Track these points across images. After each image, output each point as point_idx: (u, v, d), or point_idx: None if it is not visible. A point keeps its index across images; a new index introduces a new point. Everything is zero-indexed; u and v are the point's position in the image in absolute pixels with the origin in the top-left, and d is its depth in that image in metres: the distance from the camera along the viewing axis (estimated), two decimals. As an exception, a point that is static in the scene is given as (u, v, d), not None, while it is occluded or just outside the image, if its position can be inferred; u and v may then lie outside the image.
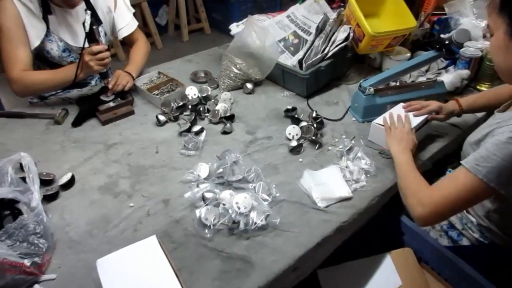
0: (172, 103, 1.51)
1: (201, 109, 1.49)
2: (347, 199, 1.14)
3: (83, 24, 1.33)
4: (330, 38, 1.60)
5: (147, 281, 0.84)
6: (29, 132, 1.41)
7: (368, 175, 1.22)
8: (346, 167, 1.24)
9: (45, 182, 1.18)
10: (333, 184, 1.17)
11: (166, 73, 1.69)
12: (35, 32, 1.45)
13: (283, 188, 1.18)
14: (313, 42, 1.57)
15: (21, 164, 1.13)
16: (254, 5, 4.26)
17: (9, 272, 0.88)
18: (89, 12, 1.29)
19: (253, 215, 1.04)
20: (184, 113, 1.51)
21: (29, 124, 1.45)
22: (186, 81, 1.68)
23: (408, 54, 1.72)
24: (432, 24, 1.86)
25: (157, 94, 1.59)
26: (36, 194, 1.03)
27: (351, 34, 1.57)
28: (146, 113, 1.52)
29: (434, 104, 1.32)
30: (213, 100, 1.55)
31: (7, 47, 1.42)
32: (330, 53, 1.57)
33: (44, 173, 1.20)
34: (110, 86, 1.50)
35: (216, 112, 1.46)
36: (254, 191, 1.14)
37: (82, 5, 1.54)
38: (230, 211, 1.05)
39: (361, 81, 1.47)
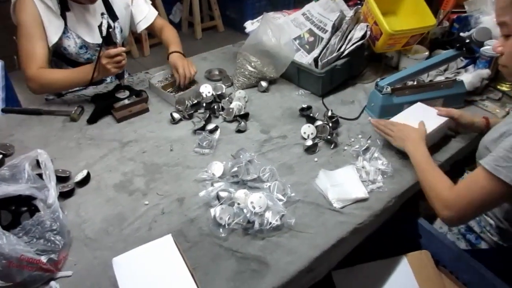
0: (186, 101, 1.50)
1: (215, 107, 1.48)
2: (363, 200, 1.13)
3: (99, 27, 1.33)
4: (347, 36, 1.57)
5: (163, 280, 0.84)
6: (46, 129, 1.42)
7: (385, 176, 1.20)
8: (363, 167, 1.22)
9: (61, 179, 1.19)
10: (349, 185, 1.15)
11: (181, 71, 1.69)
12: (53, 29, 1.46)
13: (298, 188, 1.16)
14: (329, 40, 1.55)
15: (37, 161, 1.13)
16: (268, 2, 4.23)
17: (26, 268, 0.89)
18: (105, 15, 1.29)
19: (268, 215, 1.03)
20: (199, 111, 1.50)
21: (46, 121, 1.46)
22: (200, 79, 1.67)
23: (427, 53, 1.68)
24: (451, 22, 1.81)
25: (171, 92, 1.59)
26: (52, 191, 1.04)
27: (368, 32, 1.55)
28: (161, 111, 1.52)
29: (454, 110, 1.31)
30: (227, 98, 1.54)
31: (25, 44, 1.42)
32: (346, 52, 1.55)
33: (60, 170, 1.21)
34: (181, 82, 1.54)
35: (231, 110, 1.46)
36: (269, 190, 1.12)
37: (100, 2, 1.55)
38: (245, 210, 1.04)
39: (378, 80, 1.44)
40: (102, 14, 1.36)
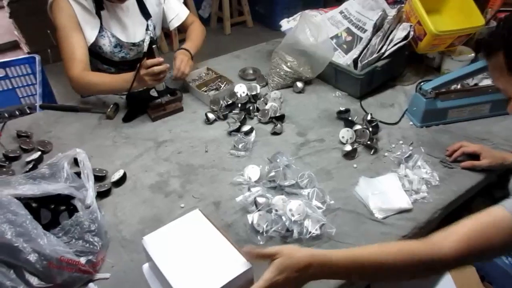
0: (221, 101, 1.48)
1: (250, 108, 1.45)
2: (407, 211, 1.07)
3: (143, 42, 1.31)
4: (388, 36, 1.51)
5: (203, 252, 0.79)
6: (82, 126, 1.43)
7: (429, 186, 1.15)
8: (405, 175, 1.17)
9: (98, 178, 1.20)
10: (391, 194, 1.10)
11: (215, 69, 1.67)
12: (90, 28, 1.47)
13: (337, 195, 1.12)
14: (369, 40, 1.49)
15: (75, 158, 1.14)
16: (298, -2, 4.16)
17: (66, 269, 0.89)
18: (149, 31, 1.28)
19: (307, 223, 1.00)
20: (233, 111, 1.48)
21: (83, 118, 1.47)
22: (234, 78, 1.65)
23: (472, 55, 1.60)
24: (499, 21, 1.71)
25: (205, 91, 1.57)
26: (90, 191, 1.04)
27: (412, 33, 1.48)
28: (195, 110, 1.50)
29: (474, 147, 1.20)
30: (262, 99, 1.51)
31: (65, 47, 1.43)
32: (387, 53, 1.49)
33: (97, 169, 1.21)
34: (174, 73, 1.51)
35: (266, 111, 1.43)
36: (308, 198, 1.09)
37: (133, 0, 1.55)
38: (283, 218, 1.01)
39: (419, 82, 1.38)
40: (146, 30, 1.34)
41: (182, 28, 1.75)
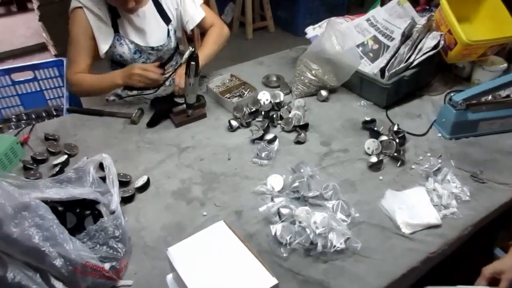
0: (244, 108, 1.48)
1: (274, 116, 1.44)
2: (435, 226, 1.04)
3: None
4: (417, 45, 1.47)
5: (227, 265, 0.79)
6: (108, 130, 1.45)
7: (459, 201, 1.11)
8: (434, 190, 1.13)
9: (122, 183, 1.20)
10: (419, 208, 1.07)
11: (238, 75, 1.67)
12: (104, 37, 1.51)
13: (362, 208, 1.10)
14: (398, 49, 1.46)
15: (101, 162, 1.15)
16: (321, 3, 4.14)
17: (90, 275, 0.90)
18: (191, 48, 1.29)
19: (332, 236, 0.98)
20: (257, 119, 1.47)
21: (108, 122, 1.49)
22: (257, 85, 1.64)
23: (505, 65, 1.54)
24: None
25: (229, 98, 1.57)
26: (115, 197, 1.05)
27: (442, 42, 1.44)
28: (218, 117, 1.50)
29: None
30: (286, 107, 1.49)
31: (71, 53, 1.52)
32: (415, 62, 1.45)
33: (121, 174, 1.22)
34: (173, 90, 1.49)
35: (290, 120, 1.41)
36: (332, 210, 1.07)
37: (150, 5, 1.56)
38: (307, 230, 0.99)
39: (448, 92, 1.35)
40: (168, 35, 1.45)
41: (201, 30, 1.74)
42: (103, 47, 1.51)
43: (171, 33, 1.62)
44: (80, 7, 1.45)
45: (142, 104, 1.58)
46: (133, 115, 1.47)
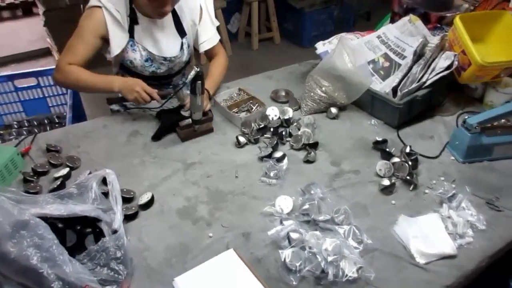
0: (252, 124, 1.44)
1: (283, 133, 1.41)
2: (451, 256, 1.00)
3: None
4: (430, 65, 1.45)
5: None
6: (112, 142, 1.41)
7: (475, 230, 1.07)
8: (448, 217, 1.09)
9: (125, 199, 1.16)
10: (434, 237, 1.03)
11: (246, 89, 1.64)
12: (118, 41, 1.48)
13: (375, 234, 1.06)
14: (410, 68, 1.43)
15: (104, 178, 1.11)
16: (327, 16, 4.14)
17: (89, 299, 0.85)
18: (196, 68, 1.27)
19: (343, 265, 0.94)
20: (265, 135, 1.43)
21: (112, 134, 1.45)
22: (266, 100, 1.61)
23: (520, 87, 1.51)
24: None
25: (236, 112, 1.53)
26: (118, 215, 1.01)
27: (456, 63, 1.41)
28: (225, 132, 1.47)
29: None
30: (295, 124, 1.46)
31: (73, 42, 1.46)
32: (428, 82, 1.42)
33: (125, 190, 1.18)
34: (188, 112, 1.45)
35: (299, 137, 1.38)
36: (343, 236, 1.03)
37: (169, 17, 1.54)
38: (318, 257, 0.95)
39: (460, 113, 1.31)
40: (181, 48, 1.46)
41: (208, 54, 1.71)
42: (115, 50, 1.47)
43: (185, 46, 1.60)
44: (100, 7, 1.43)
45: (147, 116, 1.54)
46: None
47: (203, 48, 1.66)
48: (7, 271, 0.85)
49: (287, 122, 1.47)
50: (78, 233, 1.02)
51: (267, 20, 4.31)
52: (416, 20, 1.65)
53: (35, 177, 1.24)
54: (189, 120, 1.43)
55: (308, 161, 1.32)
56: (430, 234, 1.03)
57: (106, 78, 1.47)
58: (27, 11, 4.75)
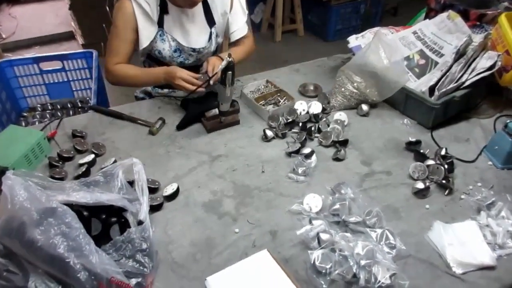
0: (280, 118, 1.40)
1: (312, 128, 1.36)
2: (490, 267, 0.95)
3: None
4: (470, 64, 1.38)
5: None
6: (137, 130, 1.39)
7: (515, 241, 1.01)
8: (487, 225, 1.04)
9: (150, 190, 1.14)
10: (472, 246, 0.98)
11: (274, 82, 1.59)
12: (146, 33, 1.46)
13: (407, 239, 1.01)
14: (450, 67, 1.36)
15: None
16: (353, 10, 4.03)
17: (114, 291, 0.84)
18: (228, 58, 1.23)
19: (376, 270, 0.90)
20: (293, 130, 1.39)
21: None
22: (294, 93, 1.56)
23: None
24: None
25: (263, 105, 1.50)
26: (144, 206, 0.99)
27: (499, 63, 1.34)
28: (252, 125, 1.43)
29: None
30: (324, 119, 1.41)
31: (113, 43, 1.48)
32: (468, 82, 1.36)
33: (150, 180, 1.16)
34: (209, 69, 1.43)
35: (328, 134, 1.33)
36: (375, 239, 0.99)
37: (200, 7, 1.50)
38: (350, 260, 0.91)
39: (498, 116, 1.24)
40: (210, 38, 1.44)
41: (238, 43, 1.67)
42: (144, 43, 1.46)
43: (213, 36, 1.56)
44: None
45: (172, 104, 1.52)
46: (152, 126, 1.38)
47: (233, 37, 1.63)
48: (33, 259, 0.84)
49: (315, 118, 1.42)
50: (103, 223, 1.00)
51: (291, 12, 4.23)
52: (456, 17, 1.57)
53: (60, 162, 1.22)
54: (216, 111, 1.40)
55: (337, 159, 1.27)
56: (468, 243, 0.98)
57: (151, 71, 1.50)
58: (52, -6, 4.77)
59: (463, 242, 0.98)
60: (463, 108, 1.46)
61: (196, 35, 1.53)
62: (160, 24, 1.46)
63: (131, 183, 1.11)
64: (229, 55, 1.22)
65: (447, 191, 1.15)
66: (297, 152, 1.27)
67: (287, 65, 1.82)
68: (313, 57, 1.92)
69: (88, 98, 2.19)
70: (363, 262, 0.90)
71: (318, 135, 1.36)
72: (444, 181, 1.16)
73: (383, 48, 1.40)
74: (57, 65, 2.10)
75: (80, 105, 2.15)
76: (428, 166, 1.20)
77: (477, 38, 1.40)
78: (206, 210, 1.10)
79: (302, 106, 1.46)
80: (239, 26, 1.61)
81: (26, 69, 2.04)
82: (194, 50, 1.54)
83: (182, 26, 1.50)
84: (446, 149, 1.25)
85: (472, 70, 1.37)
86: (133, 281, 0.87)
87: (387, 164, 1.26)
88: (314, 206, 1.08)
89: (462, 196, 1.15)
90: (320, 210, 1.08)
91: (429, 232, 1.03)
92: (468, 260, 0.95)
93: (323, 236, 0.96)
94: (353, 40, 1.65)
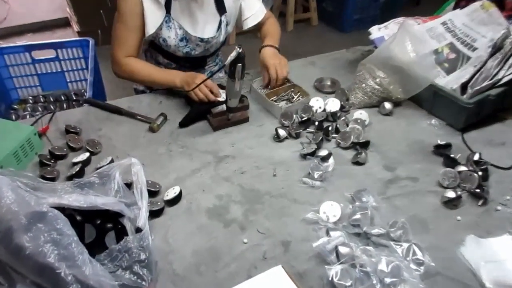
0: (294, 115, 1.37)
1: (329, 128, 1.33)
2: (530, 289, 0.91)
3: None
4: (507, 60, 1.33)
5: None
6: (136, 127, 1.37)
7: (559, 259, 0.97)
8: (527, 241, 1.00)
9: (149, 193, 1.11)
10: (510, 264, 0.94)
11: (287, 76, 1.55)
12: (153, 19, 1.43)
13: (436, 254, 0.97)
14: (485, 62, 1.32)
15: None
16: (372, -1, 3.99)
17: (109, 308, 0.81)
18: (238, 48, 1.19)
19: (402, 290, 0.86)
20: (308, 129, 1.36)
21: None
22: (309, 88, 1.52)
23: None
24: None
25: (275, 101, 1.46)
26: (143, 212, 0.96)
27: (541, 58, 1.29)
28: (262, 123, 1.40)
29: None
30: (343, 118, 1.37)
31: (120, 31, 1.45)
32: (504, 79, 1.31)
33: (150, 182, 1.13)
34: (272, 84, 1.46)
35: (347, 134, 1.29)
36: (401, 254, 0.95)
37: None
38: (372, 278, 0.87)
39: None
40: (219, 27, 1.42)
41: (256, 27, 1.65)
42: (150, 29, 1.43)
43: (223, 25, 1.53)
44: None
45: (175, 99, 1.49)
46: (155, 122, 1.35)
47: (246, 25, 1.61)
48: (21, 268, 0.81)
49: (333, 116, 1.39)
50: (98, 229, 0.98)
51: (305, 0, 4.19)
52: (491, 7, 1.53)
53: (52, 161, 1.20)
54: (223, 107, 1.36)
55: (357, 163, 1.24)
56: (506, 261, 0.94)
57: (167, 73, 1.47)
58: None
59: (500, 260, 0.94)
60: (499, 108, 1.42)
61: (205, 24, 1.50)
62: (167, 9, 1.42)
63: (129, 185, 1.09)
64: (239, 46, 1.19)
65: (481, 202, 1.11)
66: (313, 154, 1.24)
67: (299, 58, 1.79)
68: (327, 49, 1.88)
69: (83, 91, 2.17)
70: (388, 281, 0.86)
71: (336, 135, 1.32)
72: (477, 190, 1.12)
73: (410, 40, 1.36)
74: (50, 54, 2.08)
75: (74, 98, 2.13)
76: (459, 172, 1.16)
77: (516, 30, 1.36)
78: (210, 217, 1.07)
79: (318, 103, 1.42)
80: (254, 12, 1.59)
81: (17, 58, 2.03)
82: (202, 40, 1.50)
83: (191, 13, 1.47)
84: (480, 154, 1.21)
85: (510, 66, 1.32)
86: (130, 296, 0.85)
87: (413, 169, 1.22)
88: (331, 215, 1.05)
89: (498, 207, 1.10)
90: (338, 220, 1.04)
91: (462, 247, 0.99)
92: (507, 280, 0.91)
93: (342, 250, 0.93)
94: (375, 31, 1.61)
